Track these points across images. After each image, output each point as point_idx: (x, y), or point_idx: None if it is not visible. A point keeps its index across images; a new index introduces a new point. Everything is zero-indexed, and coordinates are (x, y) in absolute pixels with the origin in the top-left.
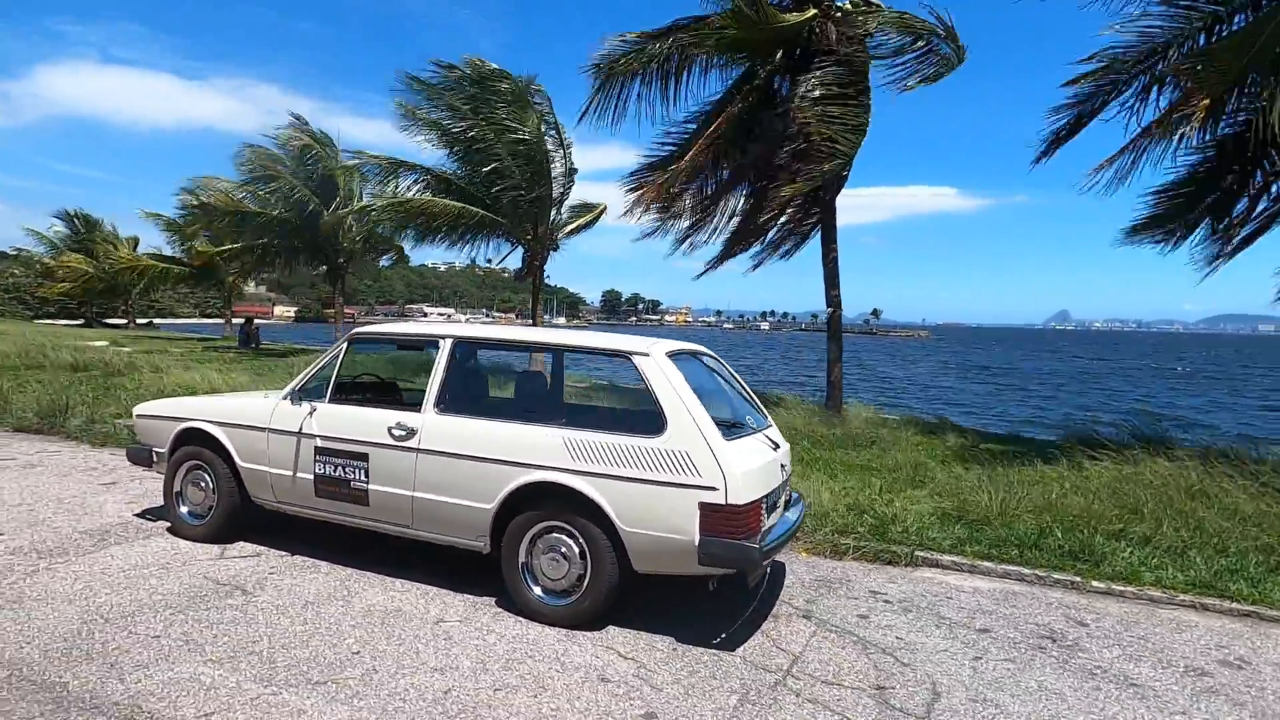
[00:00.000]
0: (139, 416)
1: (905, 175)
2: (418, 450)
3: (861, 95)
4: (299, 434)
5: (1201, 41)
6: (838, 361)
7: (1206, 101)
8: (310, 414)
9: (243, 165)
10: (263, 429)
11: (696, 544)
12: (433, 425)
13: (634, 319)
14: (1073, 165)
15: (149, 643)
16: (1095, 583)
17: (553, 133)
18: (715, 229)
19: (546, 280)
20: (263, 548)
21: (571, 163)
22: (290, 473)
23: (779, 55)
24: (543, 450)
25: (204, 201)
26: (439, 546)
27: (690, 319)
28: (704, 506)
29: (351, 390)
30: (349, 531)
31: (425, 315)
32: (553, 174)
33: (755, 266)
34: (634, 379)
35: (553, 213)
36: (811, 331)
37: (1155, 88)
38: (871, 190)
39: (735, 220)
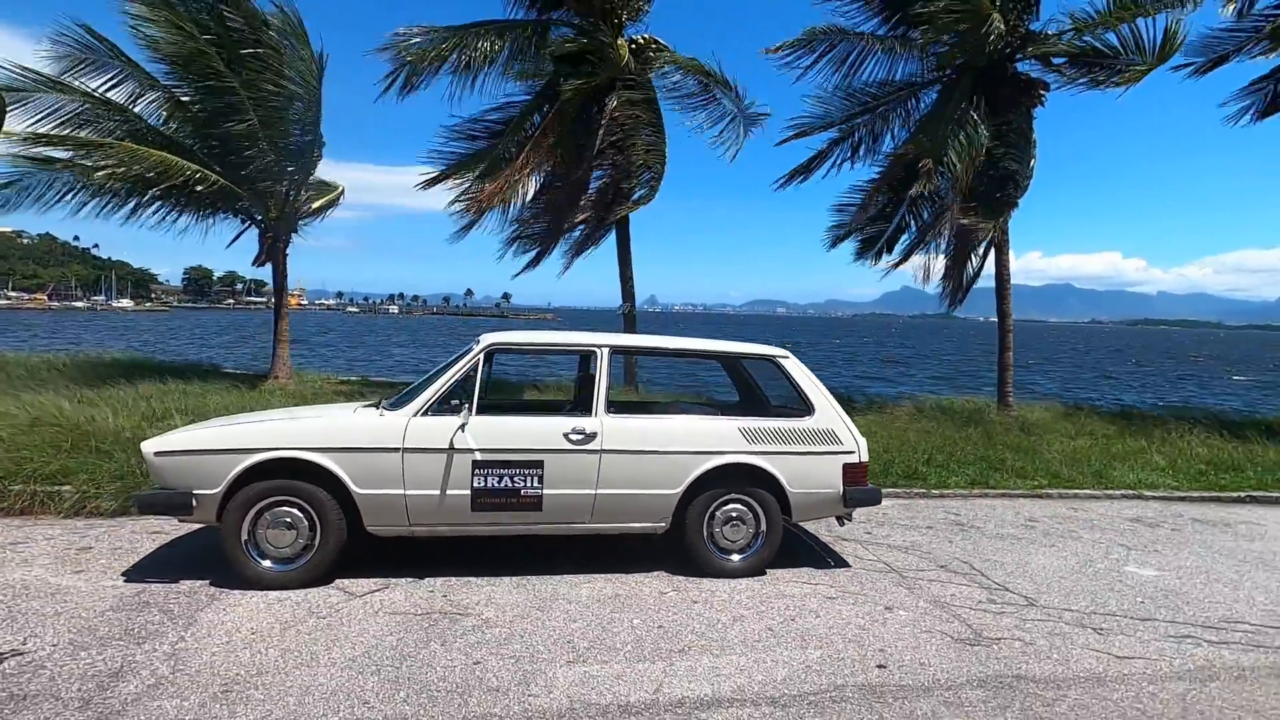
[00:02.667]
0: (159, 454)
1: None
2: (601, 451)
3: (658, 129)
4: (449, 450)
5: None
6: None
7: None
8: (461, 428)
9: None
10: (394, 449)
11: (841, 493)
12: (612, 427)
13: (231, 301)
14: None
15: (494, 671)
16: (935, 490)
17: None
18: (546, 232)
19: (92, 250)
20: (375, 579)
21: (321, 134)
22: (437, 492)
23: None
24: (723, 438)
25: None
26: (535, 539)
27: (305, 302)
28: (846, 466)
29: (494, 400)
30: (441, 543)
31: None
32: (306, 142)
33: (565, 269)
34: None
35: (303, 190)
36: (444, 315)
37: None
38: None
39: (538, 212)
